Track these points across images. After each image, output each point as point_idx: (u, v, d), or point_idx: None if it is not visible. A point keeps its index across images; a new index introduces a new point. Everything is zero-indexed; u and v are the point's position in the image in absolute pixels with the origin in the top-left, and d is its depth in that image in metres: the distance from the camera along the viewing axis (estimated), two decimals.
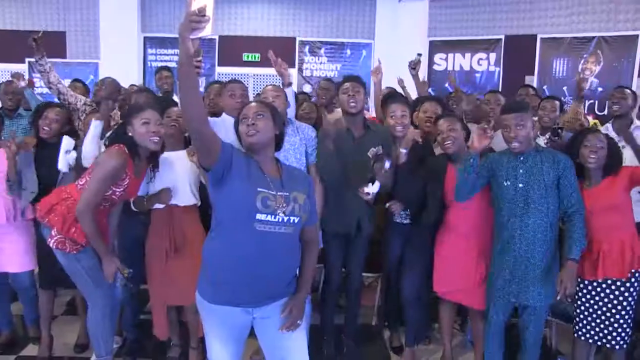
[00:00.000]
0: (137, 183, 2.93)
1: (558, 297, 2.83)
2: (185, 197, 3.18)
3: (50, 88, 4.21)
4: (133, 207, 3.16)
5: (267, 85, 3.48)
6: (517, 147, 2.84)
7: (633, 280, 2.91)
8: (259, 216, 2.09)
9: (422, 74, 5.13)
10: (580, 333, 3.04)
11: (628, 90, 3.98)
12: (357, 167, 3.27)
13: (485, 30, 8.28)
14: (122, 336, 3.64)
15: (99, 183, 2.71)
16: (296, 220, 2.17)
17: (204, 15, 1.76)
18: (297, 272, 2.34)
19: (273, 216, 2.11)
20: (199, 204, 3.23)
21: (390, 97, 3.77)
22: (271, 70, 7.31)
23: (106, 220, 2.94)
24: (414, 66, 4.57)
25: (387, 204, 3.26)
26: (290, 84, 3.58)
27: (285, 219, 2.14)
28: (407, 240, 3.45)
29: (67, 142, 3.24)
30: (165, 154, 3.09)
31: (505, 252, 2.91)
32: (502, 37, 8.16)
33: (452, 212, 3.24)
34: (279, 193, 2.15)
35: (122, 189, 2.80)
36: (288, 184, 2.22)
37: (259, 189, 2.11)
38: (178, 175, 3.14)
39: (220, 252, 2.17)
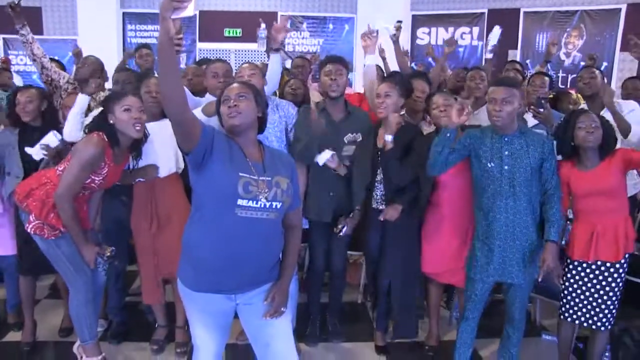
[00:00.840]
0: (118, 170, 2.88)
1: (540, 278, 2.86)
2: (166, 168, 3.15)
3: (34, 61, 4.04)
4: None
5: (243, 63, 3.41)
6: (499, 122, 2.78)
7: (623, 261, 2.89)
8: (240, 202, 2.03)
9: (405, 47, 5.06)
10: (567, 314, 3.01)
11: (597, 71, 3.95)
12: (335, 152, 3.24)
13: (468, 4, 8.26)
14: (107, 319, 3.61)
15: (77, 171, 2.66)
16: (279, 206, 2.12)
17: None
18: (280, 258, 2.31)
19: (255, 202, 2.06)
20: (182, 168, 3.19)
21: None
22: (253, 46, 7.23)
23: (86, 206, 2.90)
24: (394, 32, 4.49)
25: (381, 216, 3.19)
26: (278, 50, 3.47)
27: (268, 204, 2.08)
28: (387, 225, 3.32)
29: (51, 138, 3.14)
30: (151, 125, 3.05)
31: (489, 233, 2.90)
32: (485, 11, 8.14)
33: (436, 193, 3.23)
34: (260, 178, 2.09)
35: (101, 178, 2.75)
36: (270, 168, 2.16)
37: (240, 174, 2.05)
38: (158, 147, 3.10)
39: (201, 238, 2.11)
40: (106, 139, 2.71)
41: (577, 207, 2.97)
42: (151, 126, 3.06)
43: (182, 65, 8.10)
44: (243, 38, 8.27)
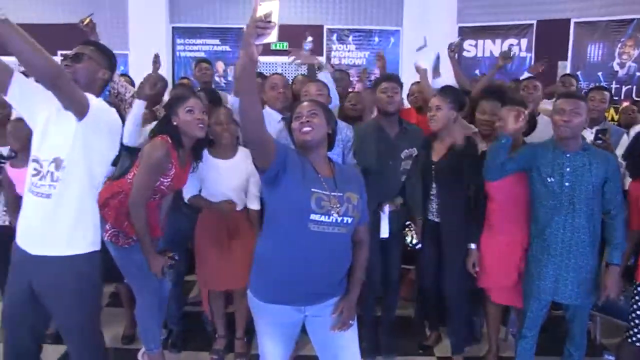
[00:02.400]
0: (183, 173, 2.95)
1: (600, 303, 2.81)
2: (240, 204, 3.29)
3: None
4: (187, 202, 3.23)
5: (298, 75, 3.45)
6: (567, 132, 2.74)
7: None
8: (313, 216, 2.09)
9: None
10: (635, 339, 2.85)
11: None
12: (392, 168, 3.28)
13: (516, 15, 8.14)
14: (167, 328, 3.67)
15: (147, 175, 2.74)
16: (349, 221, 2.17)
17: (270, 22, 1.75)
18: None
19: (327, 216, 2.11)
20: (258, 208, 3.29)
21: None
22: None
23: (158, 212, 2.96)
24: (453, 49, 4.47)
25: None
26: (320, 69, 3.54)
27: (339, 219, 2.13)
28: (440, 238, 3.37)
29: None
30: (220, 162, 3.17)
31: (546, 251, 2.85)
32: (534, 22, 8.01)
33: (493, 207, 3.19)
34: (332, 193, 2.15)
35: (169, 179, 2.83)
36: (341, 184, 2.21)
37: (313, 189, 2.11)
38: (232, 185, 3.23)
39: (274, 251, 2.17)
40: (170, 141, 2.78)
41: None
42: (226, 164, 3.18)
43: (230, 78, 8.27)
44: (290, 51, 8.28)
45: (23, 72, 2.20)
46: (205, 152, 3.19)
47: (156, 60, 5.12)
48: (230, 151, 3.23)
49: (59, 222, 2.20)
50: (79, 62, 2.29)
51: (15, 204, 3.28)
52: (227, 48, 8.54)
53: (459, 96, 3.38)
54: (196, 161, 3.07)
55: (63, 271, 2.21)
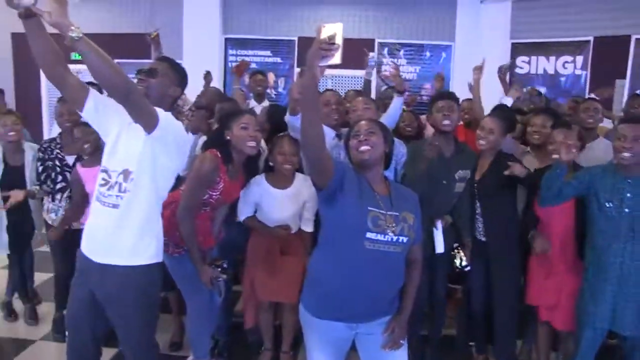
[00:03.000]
0: (234, 186, 2.98)
1: None
2: (295, 228, 3.34)
3: None
4: (242, 221, 3.30)
5: (349, 91, 3.45)
6: (628, 159, 2.67)
7: None
8: (369, 235, 2.10)
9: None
10: None
11: None
12: (445, 188, 3.24)
13: (572, 31, 7.92)
14: (214, 338, 3.68)
15: (195, 187, 2.78)
16: (405, 240, 2.18)
17: (334, 43, 1.79)
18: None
19: (383, 235, 2.12)
20: (312, 230, 3.33)
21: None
22: (350, 72, 7.31)
23: (209, 224, 3.00)
24: (503, 71, 4.43)
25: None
26: (402, 92, 3.54)
27: (395, 238, 2.15)
28: (488, 257, 3.34)
29: None
30: (277, 192, 3.22)
31: (602, 278, 2.76)
32: (591, 38, 7.81)
33: (546, 227, 3.14)
34: (388, 212, 2.17)
35: (218, 193, 2.86)
36: (398, 203, 2.23)
37: (369, 208, 2.13)
38: (288, 214, 3.28)
39: (328, 267, 2.19)
40: (219, 155, 2.80)
41: None
42: (283, 193, 3.23)
43: (281, 89, 8.35)
44: (340, 64, 8.30)
45: (90, 82, 2.27)
46: (263, 180, 3.23)
47: (207, 76, 5.23)
48: (288, 181, 3.26)
49: (125, 233, 2.26)
50: (153, 77, 2.35)
51: (81, 204, 3.38)
52: (278, 60, 8.63)
53: (511, 117, 3.38)
54: (248, 177, 3.10)
55: (125, 281, 2.27)
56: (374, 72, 4.84)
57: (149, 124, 2.15)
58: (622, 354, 3.02)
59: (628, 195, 2.69)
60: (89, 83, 2.36)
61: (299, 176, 3.27)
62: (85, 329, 2.37)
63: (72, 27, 1.82)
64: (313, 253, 2.34)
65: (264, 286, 3.30)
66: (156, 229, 2.37)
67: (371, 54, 4.43)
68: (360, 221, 2.10)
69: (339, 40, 1.80)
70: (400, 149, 3.30)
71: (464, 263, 3.32)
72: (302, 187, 3.24)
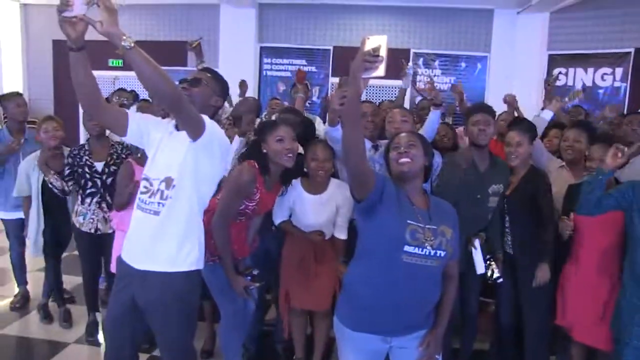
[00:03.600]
0: (270, 197, 3.00)
1: None
2: (328, 234, 3.33)
3: None
4: (275, 226, 3.32)
5: (384, 101, 3.45)
6: None
7: None
8: (407, 248, 2.10)
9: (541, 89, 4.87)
10: None
11: None
12: (479, 202, 3.22)
13: (611, 43, 7.79)
14: (244, 346, 3.70)
15: (231, 197, 2.80)
16: (442, 254, 2.16)
17: (378, 56, 1.79)
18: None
19: (421, 249, 2.11)
20: (345, 237, 3.31)
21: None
22: (383, 82, 7.32)
23: (245, 234, 3.02)
24: (550, 82, 4.38)
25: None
26: (439, 105, 3.53)
27: (433, 252, 2.13)
28: (517, 272, 3.32)
29: None
30: (311, 197, 3.24)
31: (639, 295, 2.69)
32: (632, 50, 7.67)
33: (579, 240, 3.10)
34: (427, 226, 2.16)
35: (254, 204, 2.88)
36: (436, 217, 2.21)
37: (408, 221, 2.13)
38: (322, 219, 3.28)
39: (365, 279, 2.19)
40: (257, 167, 2.81)
41: None
42: (317, 199, 3.25)
43: (315, 98, 8.39)
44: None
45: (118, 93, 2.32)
46: (298, 184, 3.25)
47: (242, 85, 5.26)
48: (322, 187, 3.27)
49: (166, 240, 2.30)
50: (197, 86, 2.40)
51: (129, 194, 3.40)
52: (313, 69, 8.67)
53: (532, 126, 3.41)
54: (285, 185, 3.11)
55: (166, 288, 2.31)
56: (409, 82, 4.79)
57: (196, 131, 2.19)
58: None
59: None
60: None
61: (333, 182, 3.28)
62: (124, 334, 2.41)
63: (124, 37, 1.85)
64: (350, 264, 2.34)
65: (297, 294, 3.31)
66: (198, 235, 2.41)
67: (409, 64, 4.42)
68: (398, 234, 2.10)
69: (382, 53, 1.80)
70: (437, 158, 3.29)
71: (496, 275, 3.28)
72: (336, 193, 3.24)
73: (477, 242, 3.22)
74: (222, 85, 2.52)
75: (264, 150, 2.87)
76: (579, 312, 3.08)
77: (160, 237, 2.30)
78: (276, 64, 8.87)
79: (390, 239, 2.12)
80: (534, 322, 3.29)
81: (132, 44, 1.87)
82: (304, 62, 8.71)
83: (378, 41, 1.82)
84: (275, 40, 8.90)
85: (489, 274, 3.30)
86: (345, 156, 2.08)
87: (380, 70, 1.81)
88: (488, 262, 3.30)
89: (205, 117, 2.26)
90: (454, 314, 3.30)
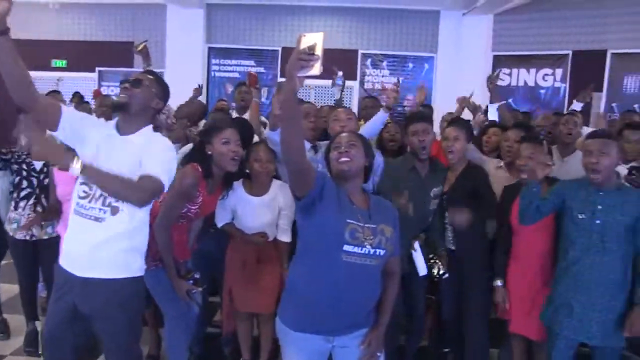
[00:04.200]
0: (212, 200, 2.96)
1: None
2: (272, 235, 3.30)
3: None
4: (220, 228, 3.28)
5: (323, 107, 3.47)
6: (597, 178, 2.69)
7: None
8: (346, 247, 2.09)
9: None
10: None
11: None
12: (422, 206, 3.25)
13: (552, 45, 8.10)
14: (190, 350, 3.65)
15: (173, 201, 2.75)
16: (382, 253, 2.17)
17: (313, 54, 1.76)
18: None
19: (360, 248, 2.11)
20: (289, 240, 3.30)
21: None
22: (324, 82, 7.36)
23: (186, 236, 2.98)
24: (492, 81, 4.45)
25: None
26: (390, 109, 3.60)
27: (372, 251, 2.13)
28: (458, 266, 3.34)
29: None
30: (253, 199, 3.20)
31: (573, 289, 2.78)
32: (570, 52, 7.96)
33: (518, 240, 3.15)
34: (366, 225, 2.15)
35: (196, 207, 2.83)
36: (376, 216, 2.21)
37: (348, 220, 2.12)
38: (265, 221, 3.25)
39: (306, 279, 2.18)
40: (200, 170, 2.79)
41: None
42: (259, 201, 3.21)
43: (264, 99, 8.36)
44: (323, 75, 8.33)
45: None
46: (240, 187, 3.21)
47: (196, 90, 5.19)
48: (264, 188, 3.25)
49: (112, 247, 2.24)
50: (138, 87, 2.35)
51: (55, 209, 3.34)
52: (262, 69, 8.67)
53: (470, 129, 3.50)
54: (226, 189, 3.09)
55: (112, 294, 2.25)
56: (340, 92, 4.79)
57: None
58: None
59: (599, 207, 2.71)
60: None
61: (275, 183, 3.26)
62: (65, 344, 2.34)
63: (71, 165, 1.98)
64: (291, 264, 2.33)
65: (241, 297, 3.28)
66: (143, 241, 2.39)
67: (339, 74, 4.42)
68: (338, 233, 2.09)
69: (318, 51, 1.77)
70: (378, 158, 3.31)
71: (441, 271, 3.32)
72: (278, 194, 3.22)
73: (416, 245, 3.24)
74: (163, 88, 2.47)
75: (209, 152, 2.83)
76: (515, 305, 3.16)
77: (105, 244, 2.23)
78: (224, 65, 8.82)
79: (329, 238, 2.11)
80: (474, 316, 3.32)
81: (80, 167, 1.98)
82: (252, 63, 8.70)
83: (314, 39, 1.78)
84: (224, 41, 8.85)
85: (434, 271, 3.33)
86: (285, 155, 2.05)
87: (316, 68, 1.77)
88: (432, 260, 3.33)
89: (156, 138, 2.34)
90: (399, 313, 3.32)
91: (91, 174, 2.03)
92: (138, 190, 2.13)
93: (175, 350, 3.00)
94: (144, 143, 2.29)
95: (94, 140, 2.28)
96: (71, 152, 1.99)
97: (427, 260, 3.32)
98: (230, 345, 3.61)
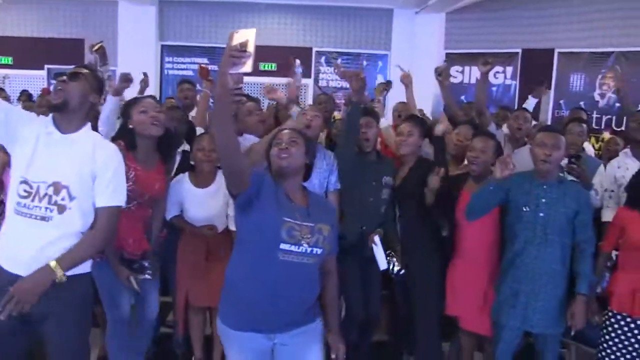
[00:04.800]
0: (151, 175, 2.89)
1: (572, 332, 2.84)
2: (221, 227, 3.28)
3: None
4: (169, 221, 3.25)
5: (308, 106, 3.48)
6: (548, 168, 2.78)
7: None
8: (283, 246, 2.09)
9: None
10: None
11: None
12: (374, 190, 3.32)
13: (502, 43, 8.27)
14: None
15: None
16: (319, 252, 2.17)
17: (245, 51, 1.73)
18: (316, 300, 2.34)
19: (297, 247, 2.10)
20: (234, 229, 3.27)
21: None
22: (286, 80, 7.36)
23: (141, 225, 2.92)
24: (440, 72, 4.46)
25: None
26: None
27: (309, 249, 2.13)
28: (411, 262, 3.38)
29: None
30: (199, 191, 3.19)
31: (517, 279, 2.86)
32: (519, 50, 8.14)
33: (463, 235, 3.19)
34: (304, 223, 2.14)
35: (131, 183, 2.75)
36: (314, 214, 2.20)
37: (285, 219, 2.10)
38: (212, 212, 3.23)
39: (243, 278, 2.17)
40: (122, 144, 2.77)
41: (625, 257, 2.93)
42: (205, 192, 3.20)
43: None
44: (278, 72, 8.42)
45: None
46: (185, 179, 3.21)
47: (142, 81, 5.08)
48: (210, 179, 3.24)
49: (62, 245, 2.19)
50: (75, 80, 2.31)
51: None
52: (216, 67, 8.54)
53: (425, 125, 3.55)
54: (166, 163, 3.03)
55: (62, 293, 2.20)
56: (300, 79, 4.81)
57: None
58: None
59: (543, 200, 2.81)
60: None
61: (221, 173, 3.24)
62: (11, 348, 2.27)
63: (56, 278, 2.11)
64: (228, 262, 2.29)
65: (194, 291, 3.26)
66: None
67: (297, 61, 4.42)
68: (274, 232, 2.08)
69: (250, 48, 1.74)
70: (331, 158, 3.33)
71: (397, 268, 3.36)
72: (224, 184, 3.20)
73: (377, 239, 3.28)
74: (99, 82, 2.44)
75: (130, 126, 2.82)
76: (464, 302, 3.20)
77: (54, 244, 2.18)
78: (178, 62, 8.72)
79: (266, 236, 2.10)
80: (423, 310, 3.34)
81: (62, 273, 2.12)
82: (205, 60, 8.60)
83: (246, 35, 1.75)
84: (177, 38, 8.75)
85: (390, 267, 3.37)
86: (220, 154, 2.05)
87: (248, 66, 1.75)
88: (388, 257, 3.37)
89: (104, 144, 2.35)
90: (357, 313, 3.34)
91: (68, 265, 2.14)
92: (102, 236, 2.27)
93: (112, 353, 2.96)
94: (91, 149, 2.26)
95: (30, 139, 2.22)
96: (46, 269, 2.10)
97: (386, 255, 3.36)
98: (183, 347, 3.59)
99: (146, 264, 2.87)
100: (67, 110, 2.26)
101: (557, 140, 2.79)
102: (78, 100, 2.28)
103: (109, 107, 3.36)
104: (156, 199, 2.99)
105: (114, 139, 2.85)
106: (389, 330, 4.01)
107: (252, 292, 2.14)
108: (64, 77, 2.30)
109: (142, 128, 2.80)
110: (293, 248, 2.10)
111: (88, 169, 2.22)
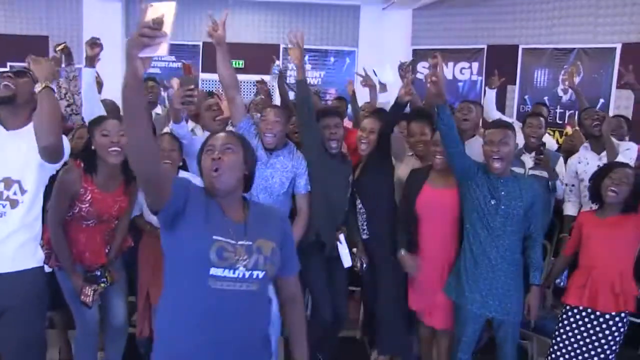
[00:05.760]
0: (110, 198, 2.85)
1: (533, 325, 2.94)
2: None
3: (65, 95, 4.11)
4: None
5: (257, 98, 3.46)
6: (499, 167, 2.84)
7: (617, 320, 2.90)
8: (213, 271, 1.71)
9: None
10: (553, 356, 3.04)
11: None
12: (343, 188, 3.38)
13: (468, 39, 8.38)
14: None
15: (55, 198, 2.73)
16: (260, 275, 1.78)
17: (159, 30, 1.39)
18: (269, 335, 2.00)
19: (231, 271, 1.73)
20: None
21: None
22: (255, 77, 7.36)
23: (100, 238, 2.91)
24: (404, 69, 4.45)
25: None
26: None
27: (247, 274, 1.75)
28: (374, 256, 3.42)
29: None
30: None
31: (476, 268, 2.93)
32: (485, 46, 8.25)
33: (423, 230, 3.20)
34: (239, 242, 1.77)
35: (87, 205, 2.75)
36: (253, 231, 1.82)
37: (214, 237, 1.73)
38: None
39: (173, 316, 1.78)
40: (82, 165, 2.76)
41: (582, 252, 3.05)
42: None
43: None
44: (246, 69, 8.36)
45: None
46: None
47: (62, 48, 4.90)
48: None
49: (17, 239, 2.27)
50: (22, 77, 2.35)
51: None
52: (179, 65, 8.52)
53: (388, 118, 3.49)
54: (130, 184, 2.98)
55: (28, 285, 2.28)
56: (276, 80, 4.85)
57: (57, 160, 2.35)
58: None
59: (502, 193, 2.88)
60: None
61: (182, 174, 3.20)
62: None
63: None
64: (158, 302, 1.93)
65: (153, 290, 3.22)
66: (40, 231, 2.44)
67: (277, 62, 4.44)
68: (201, 254, 1.71)
69: (166, 28, 1.39)
70: (303, 162, 3.30)
71: (365, 265, 3.39)
72: None
73: (341, 237, 3.31)
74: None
75: (93, 147, 2.76)
76: (425, 298, 3.25)
77: (10, 238, 2.26)
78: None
79: (192, 261, 1.72)
80: (386, 304, 3.37)
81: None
82: (172, 58, 8.53)
83: (163, 10, 1.40)
84: None
85: (358, 264, 3.40)
86: (130, 156, 1.70)
87: (163, 48, 1.40)
88: (353, 254, 3.40)
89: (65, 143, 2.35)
90: (324, 310, 3.32)
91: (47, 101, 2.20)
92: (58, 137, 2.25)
93: (80, 354, 2.96)
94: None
95: None
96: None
97: (350, 252, 3.39)
98: (147, 347, 3.57)
99: (98, 273, 2.86)
100: (15, 104, 2.31)
101: (504, 135, 2.84)
102: (26, 96, 2.34)
103: (85, 80, 3.38)
104: (118, 217, 2.98)
105: (75, 156, 2.82)
106: (360, 326, 4.05)
107: (185, 332, 1.73)
108: (10, 74, 2.34)
109: (102, 153, 2.74)
110: (227, 273, 1.72)
111: (35, 161, 2.28)
